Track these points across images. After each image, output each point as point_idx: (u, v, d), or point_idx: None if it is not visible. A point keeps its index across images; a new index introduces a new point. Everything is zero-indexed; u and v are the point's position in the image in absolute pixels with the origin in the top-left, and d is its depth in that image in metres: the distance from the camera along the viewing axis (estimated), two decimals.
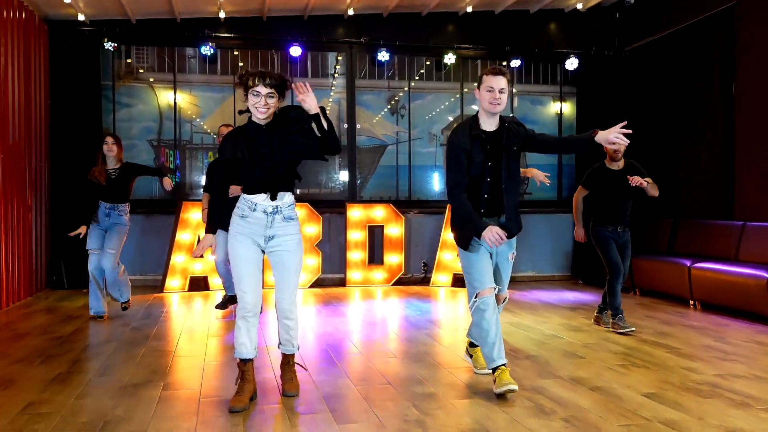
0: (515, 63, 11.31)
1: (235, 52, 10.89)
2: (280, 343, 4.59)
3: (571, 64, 11.40)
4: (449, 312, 8.34)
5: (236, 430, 3.84)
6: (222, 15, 10.32)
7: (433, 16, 11.20)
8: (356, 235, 10.48)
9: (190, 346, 6.16)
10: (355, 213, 10.49)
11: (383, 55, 10.85)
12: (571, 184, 11.64)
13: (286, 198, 4.38)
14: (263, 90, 4.22)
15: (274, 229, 4.35)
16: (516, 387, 4.42)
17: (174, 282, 9.86)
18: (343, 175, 11.20)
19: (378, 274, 10.54)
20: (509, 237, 4.71)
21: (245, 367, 4.40)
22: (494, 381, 4.51)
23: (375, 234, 10.68)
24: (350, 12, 10.64)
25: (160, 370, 5.22)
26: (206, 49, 10.36)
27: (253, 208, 4.33)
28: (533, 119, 11.89)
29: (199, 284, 10.00)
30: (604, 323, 7.14)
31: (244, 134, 4.35)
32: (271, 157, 4.28)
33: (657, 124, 10.61)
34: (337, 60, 11.26)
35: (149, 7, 10.01)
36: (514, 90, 11.60)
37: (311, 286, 10.26)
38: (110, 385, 4.79)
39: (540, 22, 11.59)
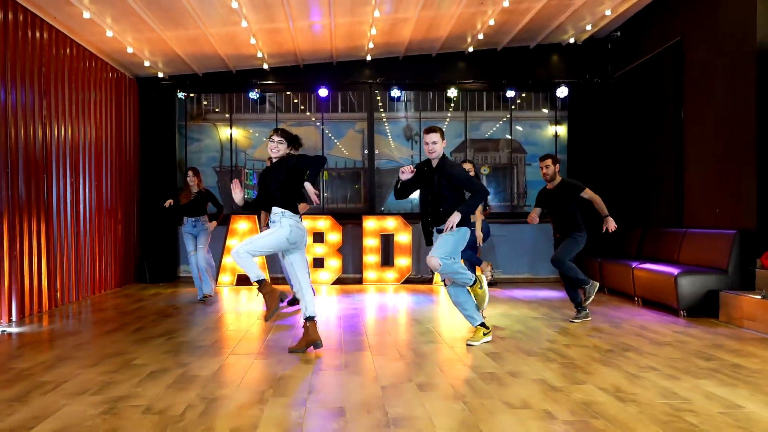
0: (510, 93, 13.33)
1: (287, 94, 13.68)
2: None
3: (561, 92, 13.24)
4: (447, 305, 10.39)
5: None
6: (266, 66, 13.10)
7: (443, 56, 13.43)
8: (371, 242, 12.92)
9: (235, 320, 8.90)
10: (370, 224, 12.92)
11: (395, 92, 13.23)
12: None
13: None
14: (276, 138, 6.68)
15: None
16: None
17: (225, 278, 12.71)
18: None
19: (390, 274, 12.93)
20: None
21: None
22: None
23: (387, 241, 13.09)
24: (369, 57, 13.10)
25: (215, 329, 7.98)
26: (253, 94, 13.20)
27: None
28: (533, 140, 13.83)
29: (244, 280, 12.80)
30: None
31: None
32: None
33: (632, 144, 12.24)
34: (361, 96, 13.79)
35: (209, 64, 12.89)
36: (515, 116, 13.63)
37: (334, 283, 12.80)
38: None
39: (539, 55, 13.49)
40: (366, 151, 13.68)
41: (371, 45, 12.24)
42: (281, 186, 6.55)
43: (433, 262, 6.73)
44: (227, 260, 12.67)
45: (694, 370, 5.76)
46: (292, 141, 6.77)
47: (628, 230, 11.91)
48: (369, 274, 12.92)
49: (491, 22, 11.41)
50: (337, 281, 12.92)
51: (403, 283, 12.88)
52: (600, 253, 11.95)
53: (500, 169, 13.81)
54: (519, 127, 13.81)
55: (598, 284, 8.46)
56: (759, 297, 7.66)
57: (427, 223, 6.99)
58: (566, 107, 13.61)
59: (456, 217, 6.65)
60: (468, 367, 5.92)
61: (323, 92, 13.25)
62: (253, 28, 10.83)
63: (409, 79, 13.38)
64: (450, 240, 6.77)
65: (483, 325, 7.02)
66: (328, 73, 13.43)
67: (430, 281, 13.01)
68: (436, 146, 6.80)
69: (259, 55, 12.27)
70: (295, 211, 6.58)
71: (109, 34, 10.34)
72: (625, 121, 12.62)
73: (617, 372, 5.65)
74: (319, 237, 12.83)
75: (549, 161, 8.53)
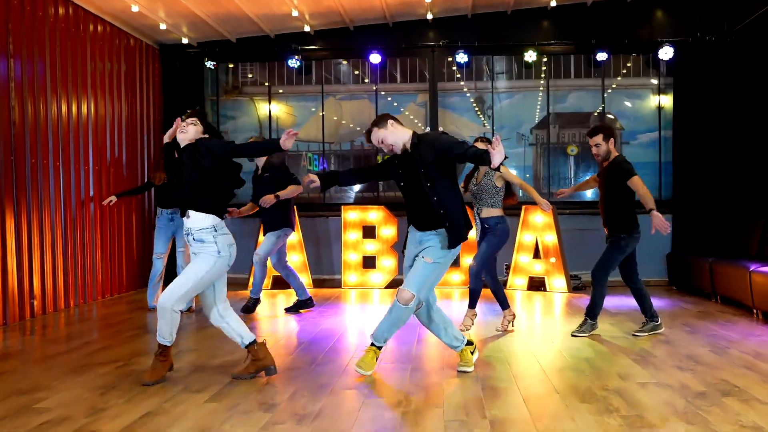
0: (602, 56, 10.90)
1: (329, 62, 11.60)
2: None
3: (665, 53, 10.76)
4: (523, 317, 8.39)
5: None
6: (307, 29, 11.02)
7: (520, 14, 11.08)
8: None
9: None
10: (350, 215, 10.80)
11: (462, 57, 10.98)
12: (670, 183, 11.06)
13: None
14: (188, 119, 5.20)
15: None
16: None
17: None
18: None
19: (456, 276, 10.72)
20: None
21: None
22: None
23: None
24: (429, 16, 10.88)
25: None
26: (293, 62, 11.14)
27: None
28: (631, 113, 11.40)
29: (280, 282, 10.81)
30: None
31: None
32: None
33: (755, 117, 9.81)
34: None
35: (241, 27, 10.91)
36: (608, 85, 11.23)
37: (388, 287, 10.70)
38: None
39: (639, 9, 11.02)
40: (428, 129, 11.47)
41: None
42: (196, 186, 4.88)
43: (406, 295, 5.05)
44: None
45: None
46: (210, 129, 5.11)
47: (747, 222, 9.52)
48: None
49: None
50: (392, 284, 10.80)
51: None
52: (713, 250, 9.53)
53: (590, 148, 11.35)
54: (612, 100, 11.40)
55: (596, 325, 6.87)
56: None
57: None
58: (672, 73, 11.13)
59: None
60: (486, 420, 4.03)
61: (375, 58, 11.10)
62: None
63: (478, 42, 11.09)
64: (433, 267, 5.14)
65: (469, 342, 5.46)
66: (382, 35, 11.27)
67: (504, 284, 10.76)
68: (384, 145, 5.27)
69: (294, 13, 10.19)
70: (223, 218, 5.07)
71: None
72: (747, 89, 10.17)
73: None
74: (369, 231, 10.76)
75: (599, 138, 6.65)
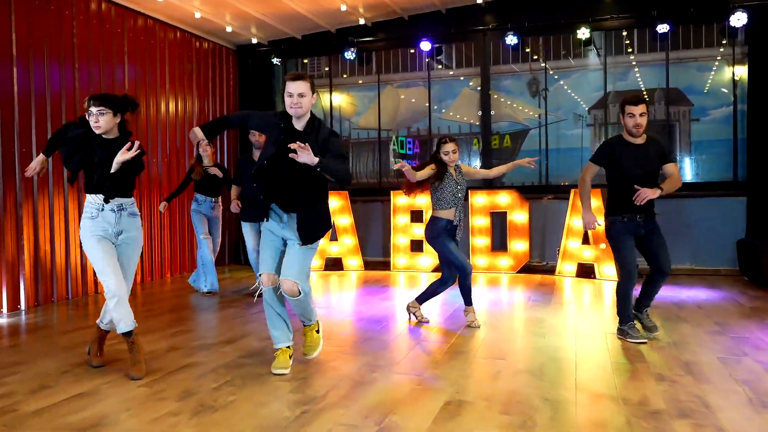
0: (663, 28, 10.11)
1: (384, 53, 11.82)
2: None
3: (738, 19, 9.76)
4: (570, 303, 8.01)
5: None
6: (362, 21, 11.28)
7: None
8: (481, 221, 10.57)
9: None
10: (479, 199, 10.58)
11: (511, 39, 10.68)
12: (745, 162, 10.05)
13: None
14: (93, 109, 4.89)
15: None
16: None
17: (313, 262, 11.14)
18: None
19: (503, 260, 10.49)
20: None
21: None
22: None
23: (500, 221, 10.63)
24: (481, 0, 10.73)
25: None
26: (349, 54, 11.44)
27: None
28: (700, 88, 10.50)
29: (337, 264, 11.18)
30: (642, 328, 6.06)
31: None
32: None
33: None
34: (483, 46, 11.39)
35: (303, 25, 11.39)
36: (673, 58, 10.44)
37: (434, 270, 10.62)
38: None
39: None
40: (480, 113, 11.28)
41: None
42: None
43: (291, 286, 4.77)
44: None
45: None
46: (121, 105, 4.96)
47: None
48: (479, 260, 10.58)
49: None
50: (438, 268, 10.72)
51: (519, 272, 10.39)
52: None
53: (656, 126, 10.60)
54: (678, 74, 10.56)
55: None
56: None
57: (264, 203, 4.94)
58: (746, 41, 10.11)
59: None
60: None
61: (426, 46, 11.12)
62: None
63: (530, 22, 10.75)
64: (309, 253, 4.89)
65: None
66: (436, 23, 11.25)
67: (553, 270, 10.35)
68: (303, 100, 4.75)
69: (343, 8, 10.47)
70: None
71: None
72: None
73: None
74: (417, 215, 10.78)
75: (645, 107, 5.75)
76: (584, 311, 7.41)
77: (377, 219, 11.52)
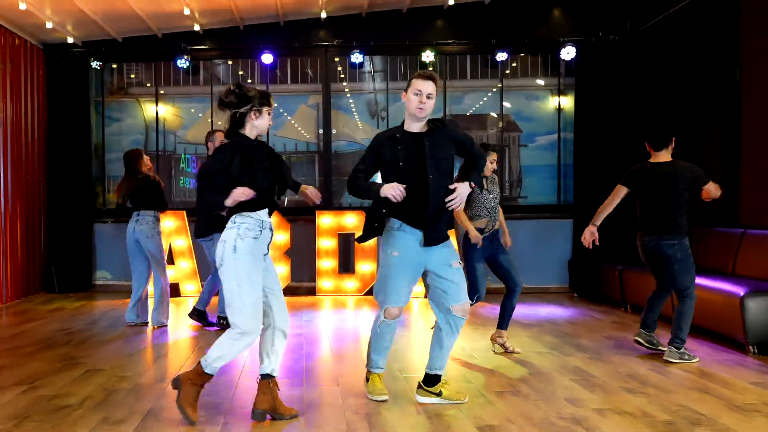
0: (501, 56, 10.62)
1: (217, 62, 11.19)
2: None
3: (567, 53, 10.49)
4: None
5: None
6: (197, 28, 10.57)
7: (416, 12, 10.75)
8: (327, 243, 10.36)
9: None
10: (325, 220, 10.37)
11: (357, 57, 10.60)
12: (571, 187, 10.83)
13: None
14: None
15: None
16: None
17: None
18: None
19: (350, 282, 10.37)
20: (435, 242, 4.58)
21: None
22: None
23: (347, 242, 10.51)
24: (323, 15, 10.49)
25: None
26: (182, 62, 10.67)
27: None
28: (530, 115, 11.14)
29: (174, 290, 10.34)
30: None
31: None
32: None
33: (662, 118, 9.56)
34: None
35: (129, 26, 10.43)
36: (507, 85, 10.99)
37: None
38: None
39: (539, 8, 10.79)
40: (321, 131, 11.08)
41: None
42: None
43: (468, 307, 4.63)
44: None
45: None
46: None
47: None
48: (324, 283, 10.38)
49: None
50: (286, 291, 10.34)
51: (365, 294, 10.32)
52: (621, 258, 9.25)
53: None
54: (509, 101, 11.16)
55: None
56: None
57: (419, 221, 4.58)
58: (573, 73, 10.88)
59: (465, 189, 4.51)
60: None
61: (267, 58, 10.68)
62: None
63: (373, 41, 10.74)
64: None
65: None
66: (274, 34, 10.84)
67: None
68: (429, 101, 4.57)
69: (186, 11, 9.73)
70: None
71: None
72: (651, 89, 9.99)
73: None
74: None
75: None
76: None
77: None
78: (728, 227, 8.00)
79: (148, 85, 11.41)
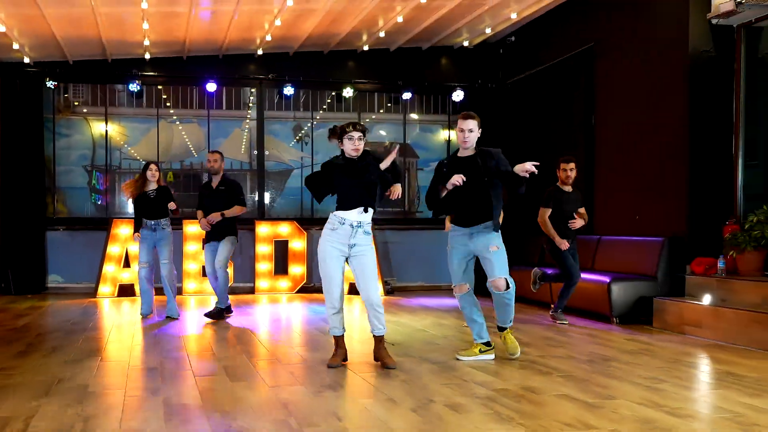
0: (407, 95, 13.00)
1: (159, 87, 12.57)
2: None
3: (457, 96, 13.01)
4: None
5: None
6: (147, 56, 11.96)
7: (335, 55, 12.84)
8: (264, 249, 12.12)
9: (119, 335, 7.76)
10: (263, 229, 12.14)
11: (288, 90, 12.49)
12: None
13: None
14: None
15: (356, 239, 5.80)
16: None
17: (105, 288, 11.45)
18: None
19: (283, 282, 12.17)
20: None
21: (337, 341, 5.98)
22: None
23: (281, 248, 12.28)
24: (260, 52, 12.28)
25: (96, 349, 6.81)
26: (134, 86, 11.99)
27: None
28: (424, 145, 13.59)
29: (126, 291, 11.58)
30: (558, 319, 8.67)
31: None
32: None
33: (534, 151, 12.08)
34: (251, 93, 12.92)
35: (84, 50, 11.57)
36: (409, 120, 13.35)
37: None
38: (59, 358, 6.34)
39: (432, 57, 13.23)
40: (255, 152, 12.83)
41: (269, 38, 11.44)
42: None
43: (503, 283, 6.05)
44: (107, 269, 11.43)
45: (705, 380, 5.69)
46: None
47: (531, 237, 11.82)
48: (261, 283, 12.12)
49: (399, 19, 10.97)
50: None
51: (297, 292, 12.17)
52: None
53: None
54: (409, 132, 13.53)
55: None
56: (702, 303, 7.72)
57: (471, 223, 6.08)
58: (458, 111, 13.42)
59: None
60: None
61: (211, 87, 12.29)
62: (150, 10, 9.77)
63: (303, 77, 12.69)
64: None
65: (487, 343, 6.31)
66: (213, 66, 12.49)
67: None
68: (471, 135, 6.00)
69: (146, 42, 11.17)
70: None
71: None
72: (525, 128, 12.60)
73: (635, 387, 5.16)
74: None
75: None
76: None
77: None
78: (588, 235, 10.61)
79: (95, 105, 12.55)
